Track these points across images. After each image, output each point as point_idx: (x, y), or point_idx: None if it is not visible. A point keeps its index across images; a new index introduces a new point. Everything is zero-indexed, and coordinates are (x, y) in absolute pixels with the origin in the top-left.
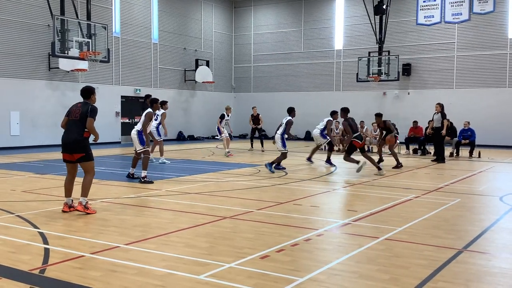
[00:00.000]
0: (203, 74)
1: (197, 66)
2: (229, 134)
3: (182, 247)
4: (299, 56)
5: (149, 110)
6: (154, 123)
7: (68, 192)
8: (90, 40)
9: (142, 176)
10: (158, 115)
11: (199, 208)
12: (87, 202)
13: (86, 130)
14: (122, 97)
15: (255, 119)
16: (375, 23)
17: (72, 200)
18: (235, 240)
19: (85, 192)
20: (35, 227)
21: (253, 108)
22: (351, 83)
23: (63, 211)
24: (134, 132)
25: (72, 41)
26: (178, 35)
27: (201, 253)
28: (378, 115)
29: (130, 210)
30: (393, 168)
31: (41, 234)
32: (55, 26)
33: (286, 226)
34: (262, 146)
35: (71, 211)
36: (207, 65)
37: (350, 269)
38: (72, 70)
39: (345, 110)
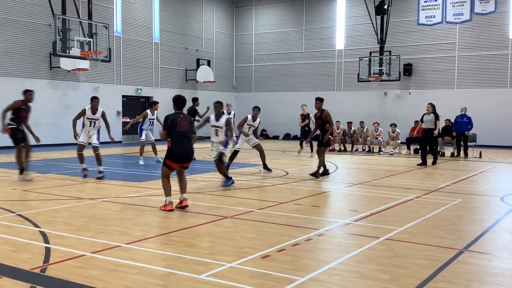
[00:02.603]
0: (204, 73)
1: (198, 65)
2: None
3: (183, 246)
4: (300, 56)
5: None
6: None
7: (170, 191)
8: (91, 40)
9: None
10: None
11: (199, 208)
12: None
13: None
14: (123, 96)
15: (306, 118)
16: (376, 23)
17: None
18: (236, 240)
19: (185, 188)
20: (36, 226)
21: (302, 106)
22: (352, 83)
23: (170, 210)
24: None
25: (74, 41)
26: (179, 34)
27: (202, 252)
28: (319, 100)
29: (131, 209)
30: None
31: (42, 233)
32: (57, 26)
33: (287, 226)
34: (312, 151)
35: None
36: (208, 64)
37: (351, 269)
38: (73, 70)
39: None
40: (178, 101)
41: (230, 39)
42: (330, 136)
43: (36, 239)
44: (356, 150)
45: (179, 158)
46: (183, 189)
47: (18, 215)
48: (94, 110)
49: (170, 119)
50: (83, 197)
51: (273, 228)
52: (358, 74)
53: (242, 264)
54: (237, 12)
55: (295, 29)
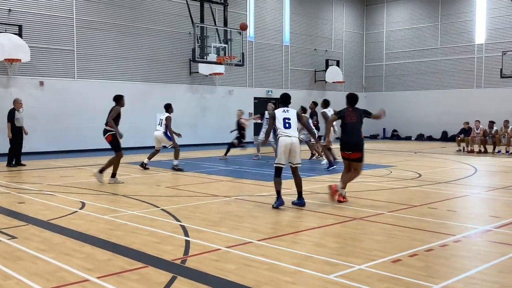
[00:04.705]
0: (334, 74)
1: (327, 66)
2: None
3: (311, 245)
4: (435, 53)
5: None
6: (161, 128)
7: (345, 184)
8: (226, 45)
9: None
10: (161, 119)
11: (328, 208)
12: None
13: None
14: (255, 98)
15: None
16: None
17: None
18: (365, 242)
19: (345, 182)
20: (177, 220)
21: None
22: (494, 79)
23: (339, 201)
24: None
25: (211, 47)
26: (308, 36)
27: (330, 252)
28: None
29: (262, 207)
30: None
31: (182, 227)
32: (196, 33)
33: (420, 230)
34: None
35: (344, 201)
36: (338, 65)
37: (491, 279)
38: (210, 74)
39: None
40: (349, 98)
41: (359, 38)
42: None
43: (177, 232)
44: (499, 151)
45: (345, 146)
46: (344, 181)
47: (162, 209)
48: None
49: (341, 112)
50: (219, 195)
51: (404, 231)
52: (501, 69)
53: (371, 267)
54: (367, 10)
55: (429, 25)
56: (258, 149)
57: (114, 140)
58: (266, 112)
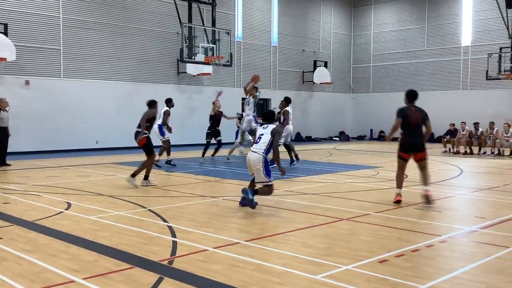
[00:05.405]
0: (321, 75)
1: (315, 67)
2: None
3: (299, 246)
4: (422, 54)
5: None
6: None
7: (401, 183)
8: (214, 46)
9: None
10: (160, 113)
11: (316, 209)
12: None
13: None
14: (243, 99)
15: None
16: (507, 17)
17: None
18: (352, 242)
19: (426, 181)
20: (164, 221)
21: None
22: (480, 81)
23: (398, 201)
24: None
25: (199, 47)
26: (297, 37)
27: (317, 253)
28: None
29: (249, 208)
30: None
31: (170, 227)
32: (184, 33)
33: (406, 231)
34: None
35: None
36: (325, 66)
37: (476, 279)
38: (198, 74)
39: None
40: (410, 95)
41: (347, 39)
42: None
43: (164, 233)
44: (484, 153)
45: (407, 147)
46: (424, 181)
47: (149, 210)
48: None
49: (403, 112)
50: (206, 195)
51: (391, 232)
52: (487, 71)
53: (358, 267)
54: (355, 12)
55: (417, 27)
56: (231, 151)
57: (148, 143)
58: (247, 98)
